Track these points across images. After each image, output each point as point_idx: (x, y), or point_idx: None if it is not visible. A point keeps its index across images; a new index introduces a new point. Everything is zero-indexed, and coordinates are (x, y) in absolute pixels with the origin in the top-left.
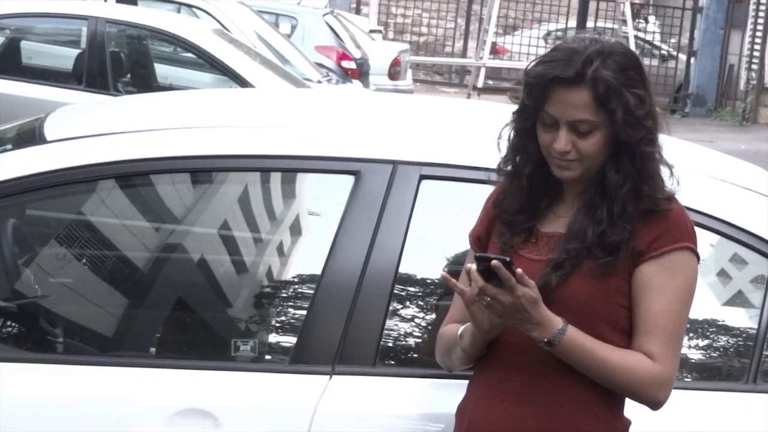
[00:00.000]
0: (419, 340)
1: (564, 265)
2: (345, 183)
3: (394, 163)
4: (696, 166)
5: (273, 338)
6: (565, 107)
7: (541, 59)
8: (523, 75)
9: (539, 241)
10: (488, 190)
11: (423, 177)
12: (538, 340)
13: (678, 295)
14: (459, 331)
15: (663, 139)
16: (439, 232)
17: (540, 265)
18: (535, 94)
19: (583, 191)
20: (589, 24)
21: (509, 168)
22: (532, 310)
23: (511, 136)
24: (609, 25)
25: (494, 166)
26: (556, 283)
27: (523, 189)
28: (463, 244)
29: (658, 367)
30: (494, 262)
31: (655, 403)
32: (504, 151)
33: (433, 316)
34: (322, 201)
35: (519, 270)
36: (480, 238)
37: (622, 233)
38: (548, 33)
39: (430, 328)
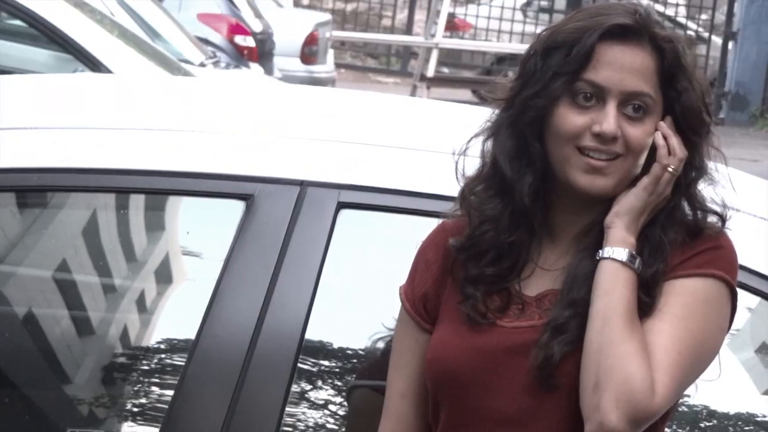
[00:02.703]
0: None
1: (568, 326)
2: (232, 211)
3: (302, 185)
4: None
5: (126, 428)
6: (621, 71)
7: (570, 18)
8: (540, 41)
9: (526, 307)
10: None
11: (342, 205)
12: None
13: (692, 317)
14: None
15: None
16: (364, 282)
17: (533, 333)
18: (573, 57)
19: (583, 234)
20: None
21: (487, 190)
22: None
23: (490, 144)
24: None
25: (448, 191)
26: (560, 354)
27: (519, 216)
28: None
29: (654, 395)
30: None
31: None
32: (471, 169)
33: (357, 401)
34: (199, 236)
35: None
36: (427, 299)
37: (655, 264)
38: (528, 2)
39: (351, 419)
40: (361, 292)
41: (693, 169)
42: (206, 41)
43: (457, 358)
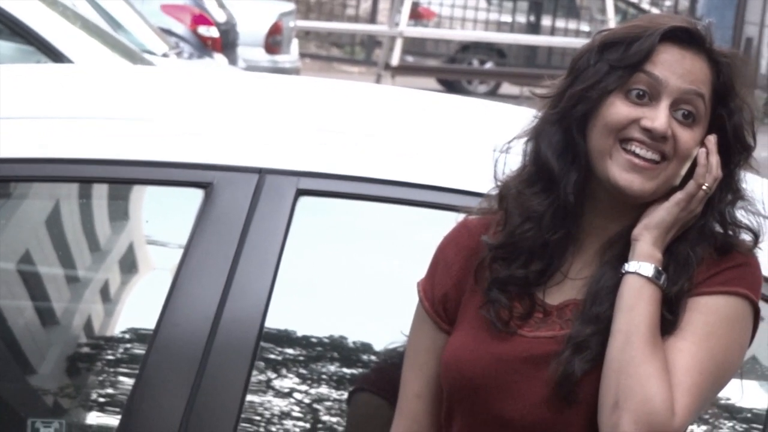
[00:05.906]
0: (297, 428)
1: (589, 343)
2: (191, 199)
3: (261, 172)
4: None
5: (88, 418)
6: (680, 71)
7: (627, 23)
8: (595, 40)
9: (548, 316)
10: (399, 212)
11: (301, 192)
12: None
13: (715, 336)
14: None
15: None
16: (324, 269)
17: (553, 345)
18: (633, 52)
19: (610, 244)
20: None
21: (532, 187)
22: None
23: (532, 144)
24: None
25: (410, 178)
26: (581, 372)
27: (561, 215)
28: (362, 288)
29: (674, 416)
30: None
31: None
32: (508, 164)
33: (321, 389)
34: (158, 224)
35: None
36: (447, 300)
37: (680, 281)
38: None
39: (314, 407)
40: (320, 280)
41: (729, 192)
42: (169, 32)
43: (474, 364)
